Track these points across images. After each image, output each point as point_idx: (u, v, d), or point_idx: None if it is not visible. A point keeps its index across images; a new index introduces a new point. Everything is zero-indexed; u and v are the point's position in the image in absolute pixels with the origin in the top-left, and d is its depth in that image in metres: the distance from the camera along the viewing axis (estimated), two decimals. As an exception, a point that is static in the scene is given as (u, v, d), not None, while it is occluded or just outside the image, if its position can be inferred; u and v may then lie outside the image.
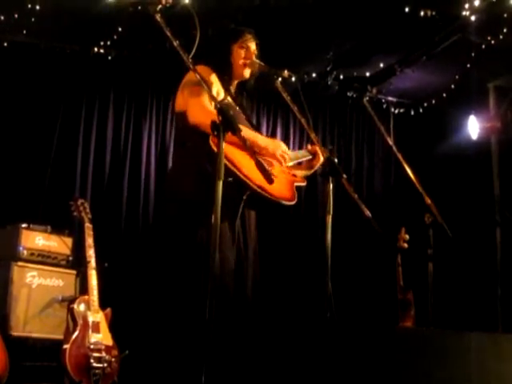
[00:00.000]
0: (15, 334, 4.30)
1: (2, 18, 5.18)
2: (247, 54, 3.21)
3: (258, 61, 3.21)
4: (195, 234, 2.90)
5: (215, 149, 2.69)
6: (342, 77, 6.20)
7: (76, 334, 4.09)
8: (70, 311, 4.19)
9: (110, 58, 5.83)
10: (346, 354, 2.92)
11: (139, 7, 4.81)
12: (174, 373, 2.86)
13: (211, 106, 2.90)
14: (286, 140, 6.47)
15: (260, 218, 3.22)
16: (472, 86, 6.10)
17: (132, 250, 5.58)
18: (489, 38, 5.39)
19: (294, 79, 3.29)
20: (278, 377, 3.69)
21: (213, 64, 3.13)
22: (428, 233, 3.35)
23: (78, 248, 4.70)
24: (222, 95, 3.11)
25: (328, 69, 6.04)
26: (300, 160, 3.38)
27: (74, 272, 4.71)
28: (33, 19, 5.18)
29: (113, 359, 4.12)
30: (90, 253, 4.37)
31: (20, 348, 4.25)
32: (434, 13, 5.08)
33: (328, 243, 2.74)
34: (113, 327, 4.29)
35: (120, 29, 5.41)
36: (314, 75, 6.20)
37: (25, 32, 5.41)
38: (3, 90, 5.49)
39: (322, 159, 3.31)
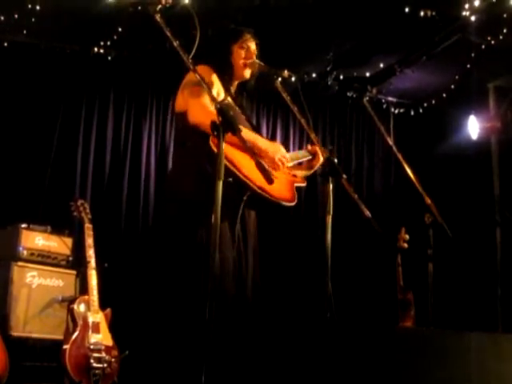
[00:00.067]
0: (15, 334, 4.30)
1: (2, 18, 5.19)
2: (247, 54, 3.21)
3: (257, 61, 3.21)
4: (195, 234, 2.90)
5: (215, 149, 2.68)
6: (341, 77, 6.20)
7: (76, 334, 4.09)
8: (70, 311, 4.19)
9: (109, 58, 5.83)
10: (346, 354, 2.92)
11: (139, 7, 4.81)
12: (173, 373, 2.86)
13: (212, 107, 2.90)
14: (285, 140, 6.47)
15: (260, 217, 3.22)
16: (472, 86, 6.10)
17: (132, 250, 5.58)
18: (489, 38, 5.39)
19: (293, 79, 3.28)
20: (278, 377, 3.69)
21: (213, 64, 3.13)
22: (428, 233, 3.35)
23: (78, 248, 4.70)
24: (222, 95, 3.10)
25: (328, 69, 6.04)
26: (300, 160, 3.37)
27: (74, 272, 4.71)
28: (33, 19, 5.18)
29: (113, 359, 4.12)
30: (90, 253, 4.37)
31: (20, 348, 4.25)
32: (434, 13, 5.08)
33: (328, 243, 2.74)
34: (113, 327, 4.29)
35: (120, 29, 5.41)
36: (313, 75, 6.20)
37: (25, 32, 5.41)
38: (3, 90, 5.49)
39: (321, 159, 3.31)
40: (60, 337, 4.24)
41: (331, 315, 2.65)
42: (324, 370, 2.67)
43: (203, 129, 2.85)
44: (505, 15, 5.09)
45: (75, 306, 4.19)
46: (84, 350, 4.04)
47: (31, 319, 4.40)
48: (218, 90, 3.08)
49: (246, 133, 2.93)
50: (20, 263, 4.48)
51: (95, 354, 4.04)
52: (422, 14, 5.09)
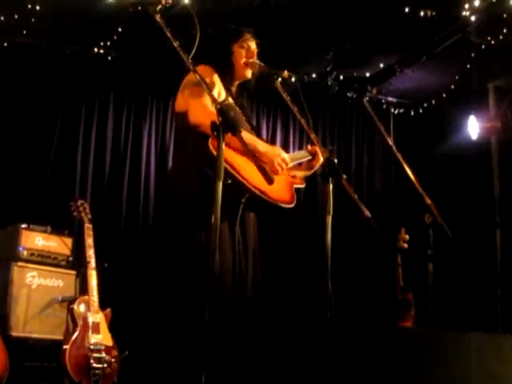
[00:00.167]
0: (15, 334, 4.30)
1: (2, 18, 5.19)
2: (248, 54, 3.21)
3: (257, 61, 3.21)
4: (195, 235, 2.90)
5: (214, 152, 2.67)
6: (341, 77, 6.21)
7: (76, 334, 4.09)
8: (70, 312, 4.19)
9: (109, 58, 5.83)
10: (346, 354, 2.92)
11: (139, 7, 4.81)
12: (173, 373, 2.86)
13: (212, 107, 2.89)
14: (285, 140, 6.48)
15: (260, 218, 3.22)
16: (472, 86, 6.10)
17: (132, 251, 5.58)
18: (489, 38, 5.40)
19: (293, 79, 3.29)
20: (278, 377, 3.69)
21: (214, 64, 3.13)
22: (428, 233, 3.35)
23: (78, 248, 4.70)
24: (223, 96, 3.10)
25: (328, 69, 6.04)
26: (300, 161, 3.37)
27: (74, 272, 4.71)
28: (33, 19, 5.18)
29: (113, 360, 4.12)
30: (90, 253, 4.37)
31: (20, 348, 4.25)
32: (434, 13, 5.08)
33: (328, 243, 2.73)
34: (113, 327, 4.29)
35: (120, 29, 5.41)
36: (313, 75, 6.20)
37: (25, 32, 5.41)
38: (3, 90, 5.49)
39: (321, 160, 3.30)
40: (60, 337, 4.24)
41: (331, 315, 2.65)
42: (324, 370, 2.67)
43: (203, 129, 2.85)
44: (505, 15, 5.09)
45: (75, 306, 4.19)
46: (84, 350, 4.04)
47: (31, 319, 4.40)
48: (218, 90, 3.07)
49: (246, 136, 2.92)
50: (20, 263, 4.48)
51: (95, 354, 4.04)
52: (421, 14, 5.09)
